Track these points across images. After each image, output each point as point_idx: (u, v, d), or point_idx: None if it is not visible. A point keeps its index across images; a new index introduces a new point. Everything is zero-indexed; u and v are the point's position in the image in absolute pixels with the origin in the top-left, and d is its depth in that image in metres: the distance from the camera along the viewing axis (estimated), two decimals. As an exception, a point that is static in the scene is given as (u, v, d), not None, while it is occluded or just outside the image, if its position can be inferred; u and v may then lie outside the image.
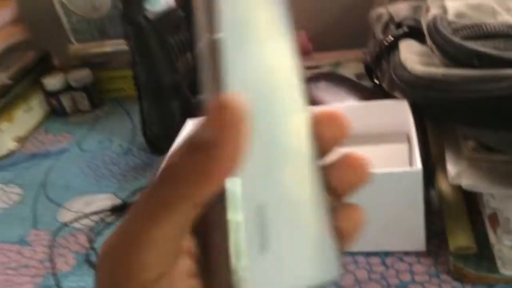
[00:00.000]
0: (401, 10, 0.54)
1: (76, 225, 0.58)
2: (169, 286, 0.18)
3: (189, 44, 0.65)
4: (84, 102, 0.82)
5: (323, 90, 0.62)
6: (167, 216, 0.17)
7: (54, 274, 0.51)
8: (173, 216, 0.17)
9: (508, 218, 0.38)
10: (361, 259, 0.45)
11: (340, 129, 0.20)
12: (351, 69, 0.75)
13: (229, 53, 0.19)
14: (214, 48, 0.19)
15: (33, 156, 0.74)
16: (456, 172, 0.40)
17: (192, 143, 0.18)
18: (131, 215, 0.19)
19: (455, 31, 0.40)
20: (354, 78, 0.70)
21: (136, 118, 0.78)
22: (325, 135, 0.20)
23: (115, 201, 0.61)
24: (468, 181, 0.39)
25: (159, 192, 0.18)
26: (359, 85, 0.61)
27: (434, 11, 0.44)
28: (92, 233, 0.56)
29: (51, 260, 0.52)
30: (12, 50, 0.87)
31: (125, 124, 0.78)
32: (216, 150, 0.17)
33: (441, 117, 0.43)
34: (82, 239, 0.56)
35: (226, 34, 0.19)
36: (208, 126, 0.17)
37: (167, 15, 0.60)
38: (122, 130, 0.77)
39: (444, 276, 0.41)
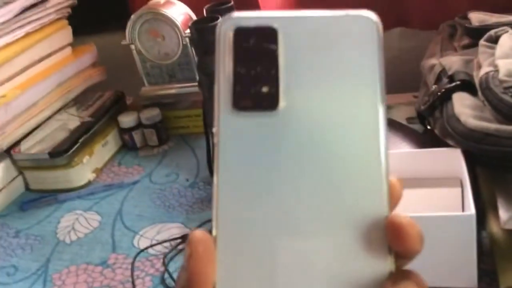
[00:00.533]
0: (453, 63, 0.59)
1: (151, 250, 0.65)
2: None
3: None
4: (153, 138, 0.90)
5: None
6: None
7: (135, 294, 0.57)
8: None
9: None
10: (416, 293, 0.48)
11: (405, 245, 0.21)
12: (402, 113, 0.79)
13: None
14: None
15: (109, 186, 0.82)
16: (508, 217, 0.44)
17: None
18: None
19: (506, 89, 0.45)
20: (405, 122, 0.75)
21: (200, 153, 0.86)
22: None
23: (184, 230, 0.68)
24: (519, 226, 0.43)
25: None
26: (412, 131, 0.66)
27: (485, 68, 0.49)
28: (166, 258, 0.62)
29: (132, 281, 0.59)
30: (91, 90, 0.98)
31: (189, 159, 0.85)
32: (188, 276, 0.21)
33: (493, 166, 0.47)
34: (157, 263, 0.62)
35: None
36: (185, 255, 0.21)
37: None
38: (187, 164, 0.84)
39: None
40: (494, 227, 0.48)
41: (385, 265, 0.20)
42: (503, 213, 0.43)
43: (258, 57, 0.22)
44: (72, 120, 0.88)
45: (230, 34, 0.22)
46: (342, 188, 0.21)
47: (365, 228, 0.21)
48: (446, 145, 0.54)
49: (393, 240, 0.20)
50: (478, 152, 0.46)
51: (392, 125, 0.67)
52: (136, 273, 0.61)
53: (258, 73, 0.21)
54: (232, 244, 0.21)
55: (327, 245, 0.21)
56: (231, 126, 0.22)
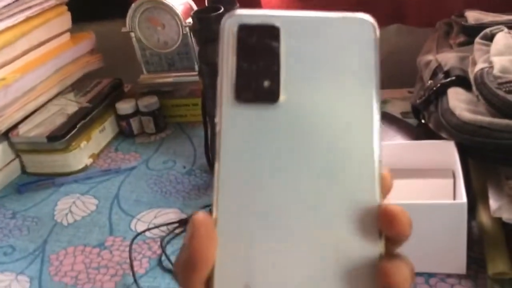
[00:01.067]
0: (449, 59, 0.61)
1: (148, 234, 0.66)
2: None
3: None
4: (150, 125, 0.91)
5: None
6: None
7: (133, 274, 0.58)
8: None
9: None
10: (407, 279, 0.50)
11: (397, 230, 0.22)
12: (397, 107, 0.81)
13: None
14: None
15: (106, 171, 0.83)
16: (497, 207, 0.46)
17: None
18: None
19: (500, 84, 0.46)
20: (400, 116, 0.77)
21: (197, 142, 0.87)
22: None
23: (181, 215, 0.69)
24: (508, 215, 0.45)
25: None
26: (406, 124, 0.68)
27: (480, 65, 0.50)
28: (163, 241, 0.64)
29: (131, 262, 0.60)
30: (89, 77, 0.98)
31: (187, 147, 0.86)
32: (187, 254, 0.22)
33: (485, 158, 0.48)
34: (154, 246, 0.63)
35: None
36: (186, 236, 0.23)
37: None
38: (185, 152, 0.85)
39: (483, 296, 0.46)
40: (484, 217, 0.50)
41: (376, 248, 0.22)
42: (493, 203, 0.45)
43: (260, 53, 0.22)
44: (70, 106, 0.89)
45: (234, 30, 0.23)
46: (338, 176, 0.22)
47: (358, 214, 0.22)
48: (439, 138, 0.56)
49: (386, 226, 0.22)
50: (472, 144, 0.47)
51: (387, 118, 0.69)
52: (133, 255, 0.62)
53: (260, 68, 0.22)
54: (231, 226, 0.22)
55: (322, 228, 0.22)
56: (233, 117, 0.23)
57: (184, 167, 0.81)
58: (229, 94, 0.23)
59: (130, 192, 0.77)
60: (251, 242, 0.22)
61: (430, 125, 0.59)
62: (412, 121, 0.71)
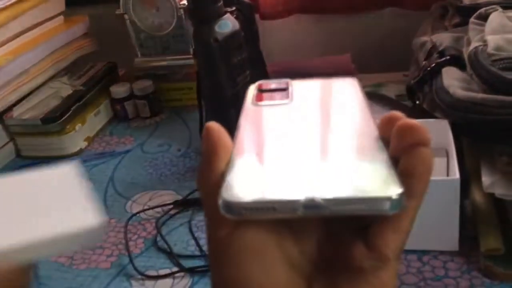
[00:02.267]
0: (443, 39, 0.61)
1: (143, 215, 0.66)
2: None
3: (248, 62, 0.73)
4: (145, 109, 0.91)
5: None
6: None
7: (129, 254, 0.58)
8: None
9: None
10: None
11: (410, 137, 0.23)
12: (392, 90, 0.81)
13: None
14: None
15: (101, 154, 0.83)
16: (490, 182, 0.46)
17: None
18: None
19: (494, 62, 0.46)
20: (394, 98, 0.77)
21: (192, 125, 0.86)
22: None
23: (176, 197, 0.69)
24: (501, 190, 0.45)
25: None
26: (400, 104, 0.68)
27: (475, 43, 0.50)
28: (158, 222, 0.64)
29: (126, 242, 0.60)
30: (83, 60, 0.98)
31: (182, 131, 0.86)
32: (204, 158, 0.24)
33: (478, 135, 0.49)
34: (149, 227, 0.64)
35: None
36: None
37: (232, 36, 0.68)
38: (180, 136, 0.85)
39: (475, 273, 0.47)
40: (476, 195, 0.50)
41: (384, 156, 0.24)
42: (486, 179, 0.45)
43: (276, 88, 0.31)
44: (64, 89, 0.88)
45: (256, 85, 0.32)
46: (342, 139, 0.26)
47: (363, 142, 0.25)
48: (434, 119, 0.56)
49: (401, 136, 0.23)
50: (465, 122, 0.48)
51: (382, 99, 0.69)
52: (128, 236, 0.62)
53: (274, 90, 0.31)
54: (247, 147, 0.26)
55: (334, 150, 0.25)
56: (251, 111, 0.29)
57: (179, 150, 0.81)
58: (250, 101, 0.30)
59: (125, 174, 0.77)
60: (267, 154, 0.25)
61: (425, 105, 0.59)
62: (407, 103, 0.71)
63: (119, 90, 0.90)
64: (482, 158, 0.50)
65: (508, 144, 0.46)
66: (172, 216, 0.65)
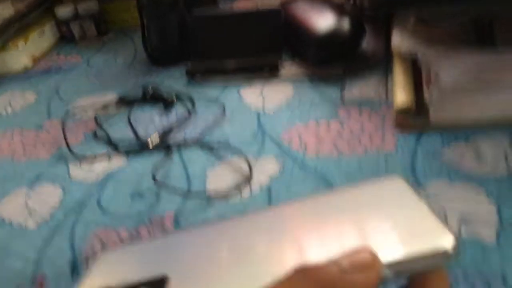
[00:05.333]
0: None
1: (85, 115, 0.67)
2: None
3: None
4: (91, 29, 0.91)
5: (301, 8, 0.70)
6: None
7: (67, 143, 0.60)
8: None
9: (437, 73, 0.46)
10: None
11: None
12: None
13: None
14: None
15: (47, 71, 0.83)
16: (399, 40, 0.48)
17: None
18: None
19: None
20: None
21: (138, 42, 0.87)
22: None
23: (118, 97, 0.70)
24: (409, 47, 0.47)
25: None
26: (332, 2, 0.69)
27: None
28: (98, 118, 0.65)
29: (64, 135, 0.61)
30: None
31: (127, 46, 0.87)
32: None
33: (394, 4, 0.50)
34: (90, 124, 0.65)
35: None
36: None
37: None
38: (126, 51, 0.85)
39: (387, 127, 0.50)
40: (396, 63, 0.52)
41: None
42: (395, 39, 0.48)
43: None
44: (6, 9, 0.87)
45: None
46: None
47: None
48: (371, 17, 0.57)
49: None
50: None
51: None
52: (70, 132, 0.64)
53: None
54: None
55: None
56: None
57: (124, 62, 0.81)
58: None
59: (70, 86, 0.77)
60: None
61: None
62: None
63: (63, 10, 0.90)
64: (395, 25, 0.52)
65: (414, 5, 0.48)
66: (113, 114, 0.67)
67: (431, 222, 0.21)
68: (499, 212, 0.38)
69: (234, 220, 0.26)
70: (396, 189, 0.24)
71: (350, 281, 0.18)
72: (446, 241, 0.19)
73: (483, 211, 0.38)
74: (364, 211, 0.23)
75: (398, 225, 0.21)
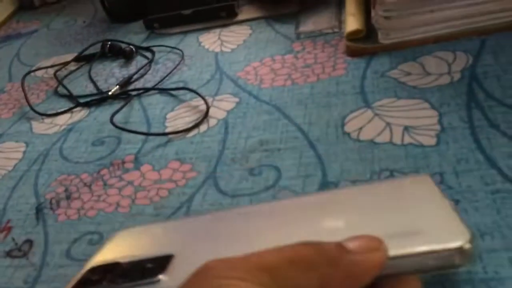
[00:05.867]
0: None
1: (45, 75, 0.67)
2: None
3: None
4: (50, -6, 0.89)
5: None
6: None
7: (27, 101, 0.60)
8: None
9: (383, -6, 0.47)
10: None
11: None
12: None
13: None
14: None
15: (6, 37, 0.82)
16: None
17: None
18: None
19: None
20: None
21: (97, 2, 0.86)
22: None
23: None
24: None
25: None
26: None
27: None
28: (58, 75, 0.65)
29: (24, 94, 0.61)
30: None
31: (87, 7, 0.86)
32: None
33: None
34: (51, 82, 0.65)
35: None
36: None
37: None
38: (85, 11, 0.84)
39: (339, 55, 0.51)
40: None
41: None
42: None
43: None
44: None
45: None
46: None
47: None
48: None
49: None
50: None
51: None
52: (30, 92, 0.63)
53: None
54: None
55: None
56: None
57: (84, 22, 0.80)
58: None
59: (30, 49, 0.76)
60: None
61: None
62: None
63: (18, -25, 0.88)
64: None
65: None
66: (73, 71, 0.66)
67: (450, 220, 0.20)
68: (440, 120, 0.39)
69: (248, 208, 0.28)
70: (420, 187, 0.24)
71: (352, 260, 0.19)
72: (461, 238, 0.19)
73: (425, 120, 0.39)
74: (387, 205, 0.23)
75: (416, 221, 0.21)
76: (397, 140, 0.38)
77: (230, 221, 0.26)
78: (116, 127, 0.50)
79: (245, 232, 0.24)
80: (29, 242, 0.40)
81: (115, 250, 0.26)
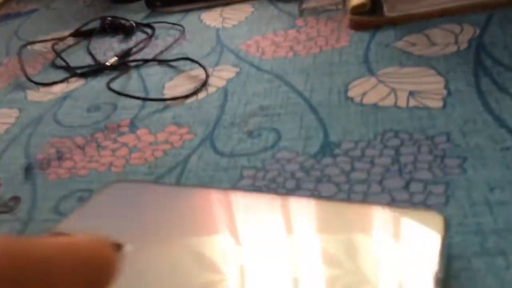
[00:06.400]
0: None
1: (43, 49, 0.66)
2: None
3: None
4: (52, -24, 0.88)
5: None
6: None
7: (24, 71, 0.58)
8: None
9: (389, -34, 0.46)
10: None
11: None
12: None
13: None
14: None
15: (6, 16, 0.81)
16: None
17: None
18: None
19: None
20: None
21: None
22: None
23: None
24: None
25: None
26: None
27: None
28: (55, 48, 0.64)
29: (22, 67, 0.60)
30: None
31: (90, -10, 0.85)
32: None
33: None
34: (49, 55, 0.64)
35: None
36: None
37: None
38: (87, -7, 0.84)
39: (343, 29, 0.50)
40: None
41: None
42: None
43: None
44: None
45: None
46: None
47: None
48: None
49: None
50: None
51: None
52: (29, 64, 0.62)
53: None
54: None
55: None
56: None
57: (85, 1, 0.80)
58: None
59: (30, 27, 0.75)
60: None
61: None
62: None
63: (21, -44, 0.87)
64: None
65: None
66: (69, 46, 0.65)
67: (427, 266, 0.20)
68: (446, 85, 0.38)
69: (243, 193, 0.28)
70: (424, 223, 0.23)
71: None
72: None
73: (431, 86, 0.38)
74: (376, 233, 0.23)
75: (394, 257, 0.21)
76: (402, 103, 0.37)
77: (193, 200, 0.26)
78: (113, 91, 0.48)
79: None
80: (16, 198, 0.38)
81: (103, 203, 0.27)
